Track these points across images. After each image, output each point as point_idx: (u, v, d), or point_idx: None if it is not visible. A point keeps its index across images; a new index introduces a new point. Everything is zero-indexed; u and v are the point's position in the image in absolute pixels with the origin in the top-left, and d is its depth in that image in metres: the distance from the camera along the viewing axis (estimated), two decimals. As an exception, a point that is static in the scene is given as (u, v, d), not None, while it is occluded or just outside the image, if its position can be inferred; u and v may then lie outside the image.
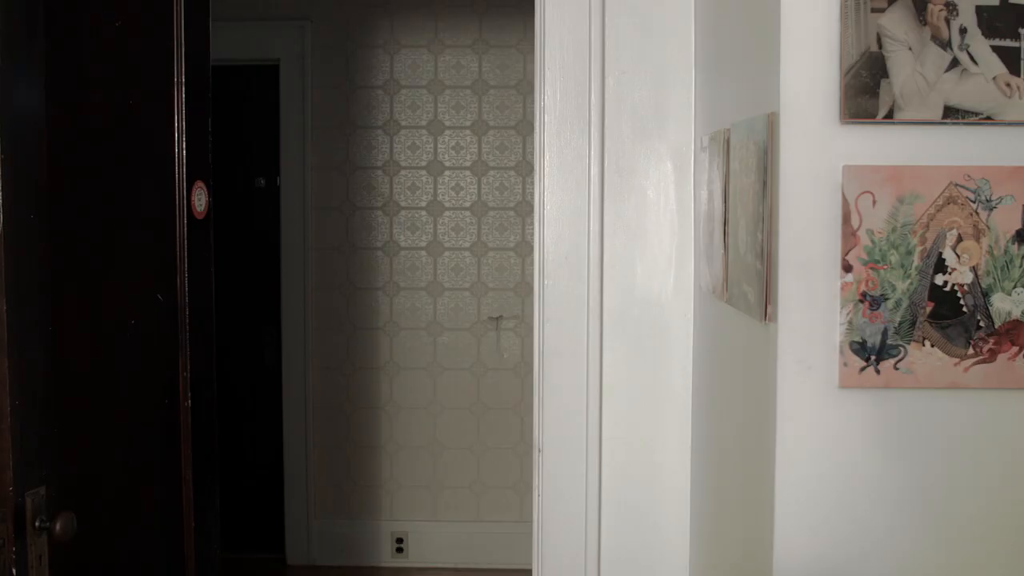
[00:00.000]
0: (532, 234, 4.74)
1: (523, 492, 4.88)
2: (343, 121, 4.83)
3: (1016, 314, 1.52)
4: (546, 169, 2.28)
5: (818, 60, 1.52)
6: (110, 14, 2.09)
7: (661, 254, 2.26)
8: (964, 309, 1.52)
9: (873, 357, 1.53)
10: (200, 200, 2.31)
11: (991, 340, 1.52)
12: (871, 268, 1.52)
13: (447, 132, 4.82)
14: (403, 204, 4.83)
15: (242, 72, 4.90)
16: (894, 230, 1.51)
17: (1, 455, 1.71)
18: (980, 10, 1.50)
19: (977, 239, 1.51)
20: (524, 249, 4.83)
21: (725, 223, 1.88)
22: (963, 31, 1.51)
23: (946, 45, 1.51)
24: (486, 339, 4.87)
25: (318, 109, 4.82)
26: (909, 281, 1.52)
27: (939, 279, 1.52)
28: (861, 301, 1.52)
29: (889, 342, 1.52)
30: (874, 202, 1.51)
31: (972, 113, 1.51)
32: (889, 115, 1.51)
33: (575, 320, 2.27)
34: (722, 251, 1.90)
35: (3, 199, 1.70)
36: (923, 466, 1.55)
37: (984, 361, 1.53)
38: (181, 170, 2.25)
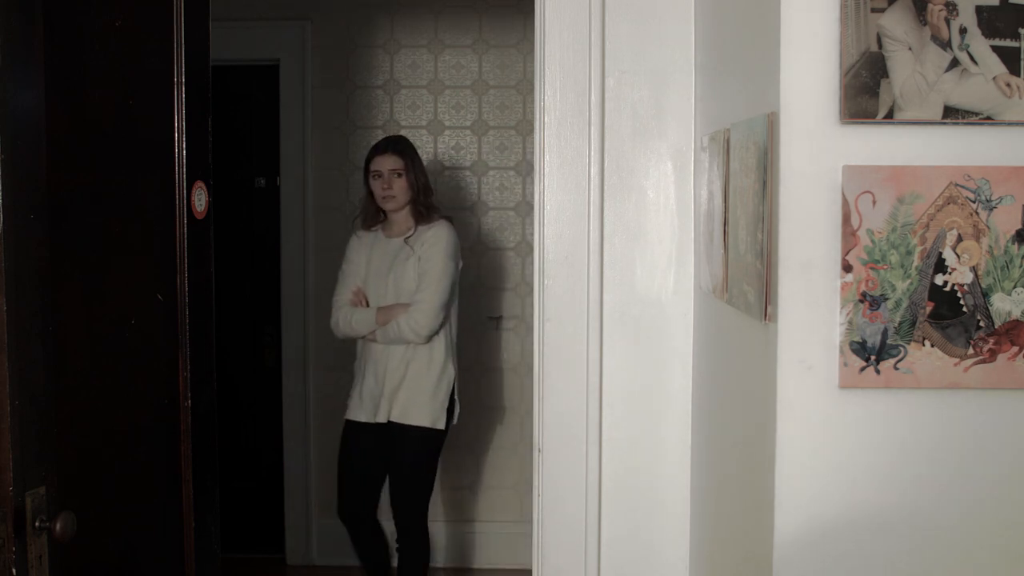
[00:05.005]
0: (532, 234, 4.74)
1: (523, 492, 4.87)
2: (343, 121, 4.83)
3: (1016, 314, 1.52)
4: (546, 169, 2.28)
5: (818, 60, 1.52)
6: (110, 14, 2.09)
7: (661, 254, 2.26)
8: (964, 309, 1.52)
9: (873, 357, 1.53)
10: (200, 200, 2.31)
11: (991, 340, 1.52)
12: (871, 268, 1.52)
13: (447, 132, 4.82)
14: (403, 204, 4.83)
15: (242, 72, 4.90)
16: (894, 230, 1.51)
17: (1, 455, 1.71)
18: (980, 10, 1.50)
19: (977, 239, 1.51)
20: (524, 249, 4.82)
21: (725, 223, 1.88)
22: (963, 31, 1.51)
23: (946, 45, 1.51)
24: (486, 339, 4.87)
25: (318, 109, 4.82)
26: (909, 281, 1.52)
27: (939, 279, 1.52)
28: (861, 301, 1.52)
29: (889, 342, 1.52)
30: (874, 202, 1.51)
31: (972, 113, 1.51)
32: (889, 115, 1.51)
33: (575, 320, 2.27)
34: (722, 251, 1.90)
35: (3, 199, 1.70)
36: (923, 466, 1.55)
37: (984, 361, 1.53)
38: (181, 170, 2.25)
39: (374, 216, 3.97)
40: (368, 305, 3.93)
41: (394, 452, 3.94)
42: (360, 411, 3.97)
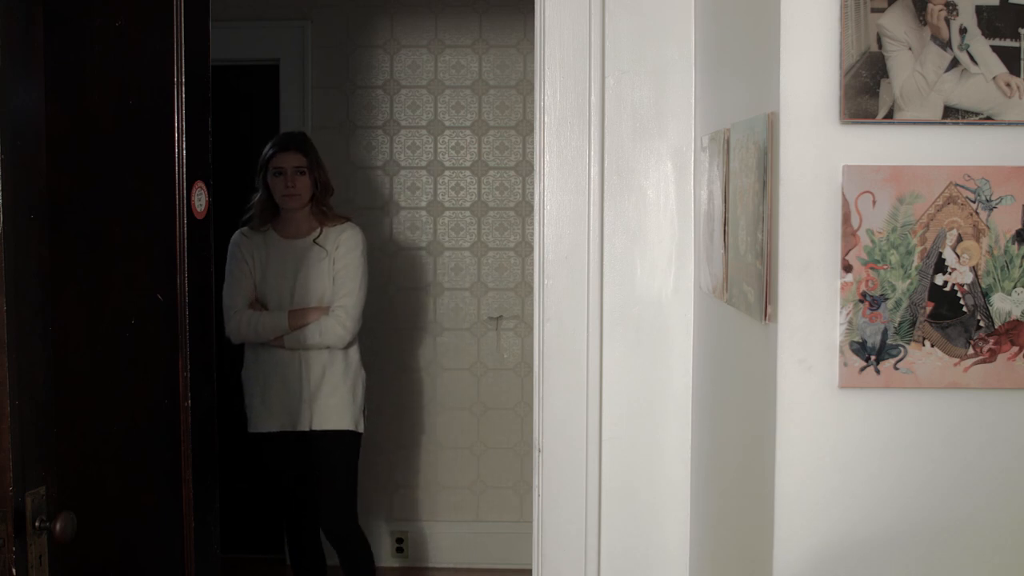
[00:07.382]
0: (532, 234, 4.74)
1: (523, 492, 4.88)
2: (343, 121, 4.83)
3: (1016, 314, 1.52)
4: (546, 169, 2.28)
5: (818, 60, 1.52)
6: (110, 14, 2.09)
7: (661, 254, 2.26)
8: (964, 309, 1.52)
9: (873, 357, 1.53)
10: (200, 200, 2.31)
11: (991, 340, 1.52)
12: (871, 268, 1.52)
13: (447, 132, 4.82)
14: (403, 204, 4.83)
15: (242, 72, 4.90)
16: (894, 230, 1.51)
17: (1, 455, 1.71)
18: (980, 10, 1.50)
19: (977, 239, 1.51)
20: (524, 249, 4.83)
21: (725, 223, 1.88)
22: (963, 31, 1.51)
23: (946, 45, 1.51)
24: (486, 339, 4.87)
25: (318, 109, 4.82)
26: (909, 281, 1.52)
27: (939, 279, 1.52)
28: (861, 301, 1.52)
29: (889, 342, 1.52)
30: (874, 202, 1.51)
31: (972, 113, 1.51)
32: (889, 115, 1.51)
33: (575, 320, 2.27)
34: (722, 251, 1.90)
35: (3, 199, 1.71)
36: (923, 466, 1.55)
37: (984, 361, 1.53)
38: (181, 170, 2.25)
39: (268, 216, 3.82)
40: (266, 309, 3.77)
41: (320, 460, 3.83)
42: (271, 421, 3.81)
